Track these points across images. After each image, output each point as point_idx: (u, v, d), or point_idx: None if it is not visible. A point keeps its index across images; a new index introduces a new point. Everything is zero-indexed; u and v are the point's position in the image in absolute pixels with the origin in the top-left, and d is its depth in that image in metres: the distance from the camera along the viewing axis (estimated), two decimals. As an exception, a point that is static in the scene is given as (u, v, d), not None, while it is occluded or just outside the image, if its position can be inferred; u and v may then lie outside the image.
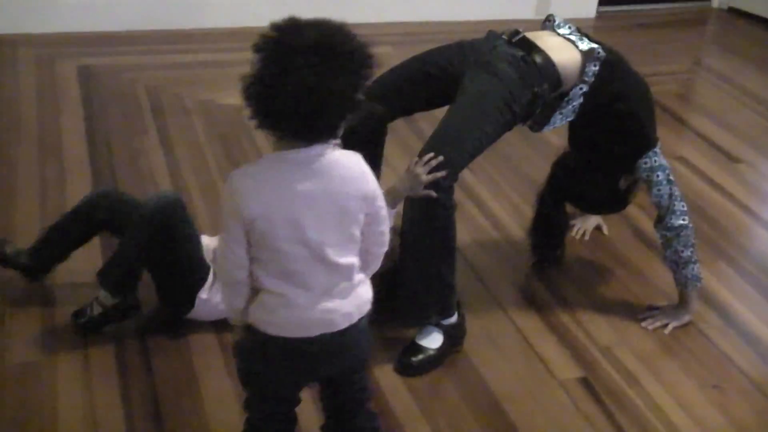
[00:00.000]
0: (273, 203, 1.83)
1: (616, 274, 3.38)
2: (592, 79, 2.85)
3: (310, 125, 1.79)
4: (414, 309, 2.78)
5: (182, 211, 2.78)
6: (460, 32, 5.13)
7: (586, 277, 3.34)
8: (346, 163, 1.90)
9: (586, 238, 3.56)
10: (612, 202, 3.23)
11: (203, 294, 2.78)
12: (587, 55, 2.85)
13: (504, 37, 2.90)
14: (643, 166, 2.97)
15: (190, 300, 2.79)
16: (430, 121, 2.79)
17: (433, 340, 2.81)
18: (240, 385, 2.12)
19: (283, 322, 1.93)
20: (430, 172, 2.55)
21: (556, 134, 3.21)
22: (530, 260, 3.36)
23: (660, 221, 3.02)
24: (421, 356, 2.79)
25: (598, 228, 3.61)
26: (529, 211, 3.58)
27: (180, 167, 3.79)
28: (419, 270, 2.71)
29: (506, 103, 2.73)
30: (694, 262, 3.00)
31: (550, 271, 3.34)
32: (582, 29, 3.01)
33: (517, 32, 2.89)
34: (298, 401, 2.15)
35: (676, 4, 6.82)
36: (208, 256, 2.80)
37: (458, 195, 2.70)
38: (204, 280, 2.79)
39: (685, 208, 3.00)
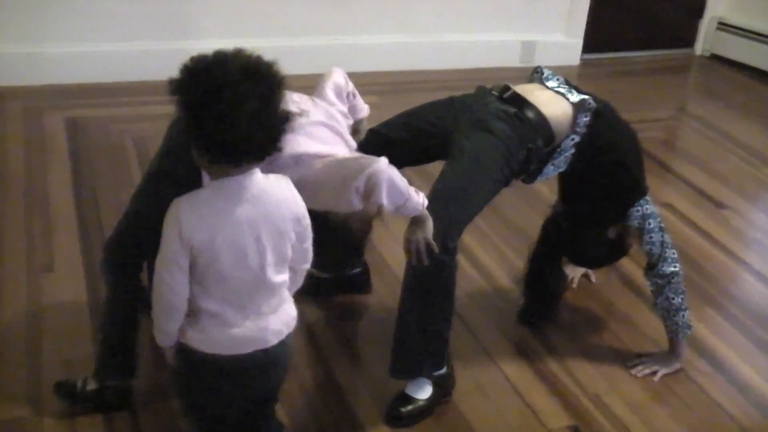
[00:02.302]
0: (217, 230, 1.90)
1: (604, 321, 3.38)
2: (584, 129, 2.88)
3: (265, 146, 1.89)
4: (410, 363, 2.77)
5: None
6: (446, 81, 5.20)
7: (575, 325, 3.34)
8: (279, 187, 2.01)
9: (574, 285, 3.56)
10: (611, 253, 3.23)
11: None
12: (578, 107, 2.87)
13: (495, 93, 2.91)
14: (635, 213, 2.99)
15: None
16: (420, 174, 2.80)
17: (423, 391, 2.79)
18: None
19: (217, 340, 1.99)
20: (417, 253, 2.56)
21: (545, 184, 3.23)
22: (520, 321, 3.32)
23: (651, 269, 3.03)
24: (410, 407, 2.77)
25: (585, 276, 3.62)
26: (518, 261, 3.59)
27: (167, 219, 3.79)
28: (420, 328, 2.71)
29: (505, 160, 2.75)
30: (685, 309, 3.01)
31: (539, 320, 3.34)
32: (568, 78, 3.04)
33: (507, 88, 2.91)
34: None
35: (659, 51, 6.90)
36: None
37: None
38: None
39: (676, 255, 3.01)
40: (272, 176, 2.01)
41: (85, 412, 2.66)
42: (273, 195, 1.98)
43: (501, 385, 2.99)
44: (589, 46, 6.52)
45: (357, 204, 2.37)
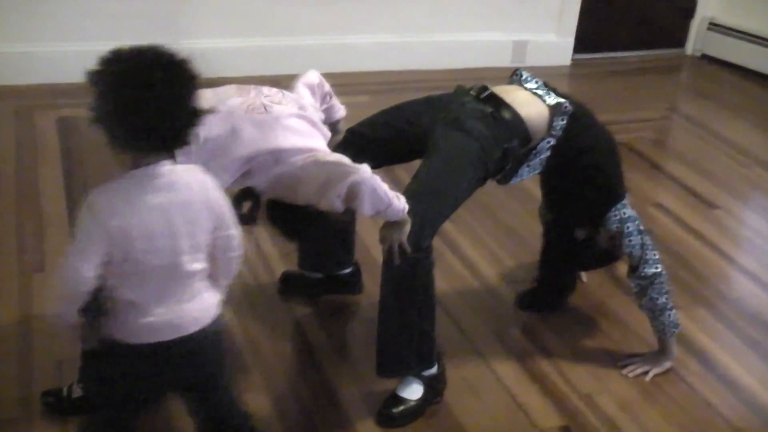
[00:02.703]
0: (129, 218, 1.93)
1: (595, 321, 3.38)
2: (560, 132, 2.89)
3: (173, 135, 1.94)
4: (394, 361, 2.77)
5: None
6: (437, 80, 5.18)
7: (566, 325, 3.34)
8: (191, 176, 2.04)
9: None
10: (597, 255, 3.24)
11: None
12: (555, 109, 2.88)
13: (472, 92, 2.92)
14: (613, 218, 3.00)
15: None
16: (408, 170, 2.80)
17: (414, 391, 2.80)
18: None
19: (137, 329, 2.02)
20: (390, 252, 2.59)
21: (535, 184, 3.23)
22: (520, 306, 3.39)
23: (633, 271, 3.04)
24: (402, 407, 2.77)
25: (577, 276, 3.62)
26: (509, 260, 3.59)
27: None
28: (400, 326, 2.71)
29: (480, 159, 2.75)
30: (671, 309, 3.01)
31: (530, 320, 3.34)
32: (556, 77, 3.06)
33: (485, 88, 2.92)
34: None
35: (651, 52, 6.91)
36: None
37: (437, 244, 2.71)
38: None
39: (657, 256, 3.02)
40: (183, 166, 2.04)
41: (76, 413, 2.65)
42: (185, 183, 2.01)
43: (492, 384, 2.99)
44: (580, 45, 6.53)
45: (338, 206, 2.40)
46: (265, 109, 2.48)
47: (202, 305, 2.10)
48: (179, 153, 2.05)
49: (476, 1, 6.08)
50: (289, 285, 3.38)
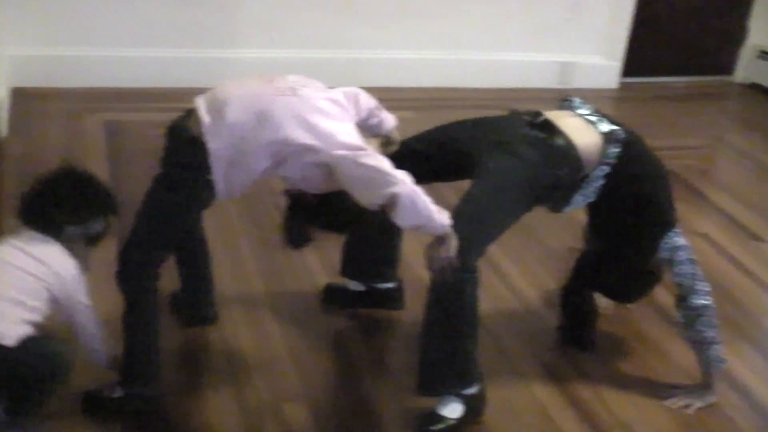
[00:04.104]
0: None
1: (637, 350, 3.36)
2: (613, 160, 2.87)
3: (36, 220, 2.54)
4: (435, 379, 2.77)
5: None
6: (482, 99, 5.21)
7: (608, 352, 3.32)
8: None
9: (609, 313, 3.54)
10: (643, 284, 3.21)
11: None
12: (608, 137, 2.87)
13: (526, 117, 2.92)
14: (665, 246, 2.98)
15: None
16: (453, 188, 2.81)
17: (454, 410, 2.79)
18: None
19: None
20: (441, 272, 2.59)
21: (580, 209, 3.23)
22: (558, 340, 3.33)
23: (682, 301, 3.01)
24: (441, 426, 2.77)
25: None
26: (552, 284, 3.57)
27: (203, 223, 3.80)
28: (443, 344, 2.71)
29: (529, 184, 2.75)
30: (718, 343, 2.98)
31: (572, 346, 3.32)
32: (602, 100, 3.06)
33: (538, 113, 2.92)
34: None
35: (699, 78, 6.86)
36: None
37: (481, 266, 2.70)
38: None
39: (708, 288, 2.99)
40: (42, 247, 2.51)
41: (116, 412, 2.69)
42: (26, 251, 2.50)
43: (532, 408, 2.98)
44: (627, 69, 6.49)
45: (374, 208, 2.46)
46: (294, 92, 2.51)
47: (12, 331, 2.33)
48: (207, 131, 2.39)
49: (523, 20, 6.07)
50: (331, 297, 3.39)
